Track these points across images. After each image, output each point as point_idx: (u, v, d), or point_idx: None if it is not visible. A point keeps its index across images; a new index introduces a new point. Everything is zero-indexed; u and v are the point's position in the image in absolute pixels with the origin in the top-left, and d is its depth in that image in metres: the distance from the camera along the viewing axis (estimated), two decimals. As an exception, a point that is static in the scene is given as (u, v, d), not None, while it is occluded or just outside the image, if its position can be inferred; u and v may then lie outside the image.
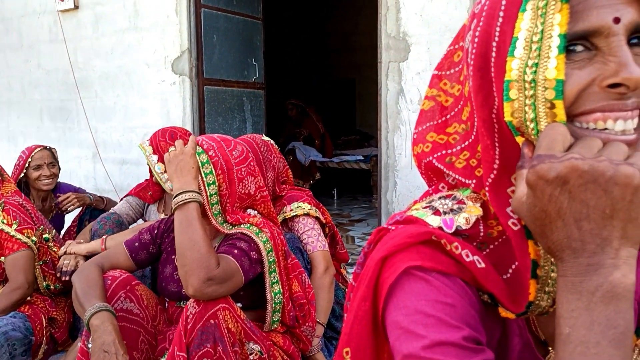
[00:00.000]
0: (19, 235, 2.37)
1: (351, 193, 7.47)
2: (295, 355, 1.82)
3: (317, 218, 2.36)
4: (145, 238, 1.91)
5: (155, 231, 1.92)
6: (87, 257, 2.29)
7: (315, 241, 2.26)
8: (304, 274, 1.90)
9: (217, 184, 1.69)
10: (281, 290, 1.74)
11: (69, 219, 3.12)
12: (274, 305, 1.73)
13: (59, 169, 3.04)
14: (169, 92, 4.20)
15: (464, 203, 0.67)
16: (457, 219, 0.66)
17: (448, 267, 0.62)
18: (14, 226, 2.38)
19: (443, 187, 0.72)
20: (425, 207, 0.68)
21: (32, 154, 2.88)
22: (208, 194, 1.68)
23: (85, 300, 1.60)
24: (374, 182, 6.39)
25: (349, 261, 2.63)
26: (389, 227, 0.68)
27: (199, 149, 1.71)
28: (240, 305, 1.61)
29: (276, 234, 1.77)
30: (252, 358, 1.63)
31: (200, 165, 1.68)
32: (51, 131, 4.83)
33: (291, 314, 1.79)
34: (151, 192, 2.71)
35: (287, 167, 2.54)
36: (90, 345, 1.65)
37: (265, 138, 2.46)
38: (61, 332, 2.50)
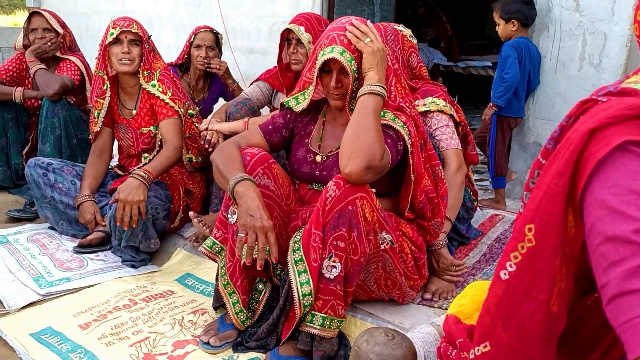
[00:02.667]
0: (172, 104, 2.54)
1: (473, 101, 7.12)
2: (422, 247, 1.83)
3: (451, 116, 2.26)
4: (278, 122, 1.94)
5: (289, 115, 1.94)
6: (226, 137, 2.38)
7: (449, 139, 2.18)
8: (439, 168, 1.86)
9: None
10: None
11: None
12: None
13: (220, 54, 3.21)
14: (299, -20, 4.11)
15: None
16: None
17: None
18: (168, 94, 2.55)
19: None
20: (646, 80, 0.60)
21: (196, 33, 3.12)
22: None
23: (227, 172, 1.68)
24: (501, 90, 6.02)
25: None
26: (599, 98, 0.60)
27: None
28: (374, 191, 1.61)
29: (412, 118, 1.74)
30: (383, 247, 1.65)
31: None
32: (185, 17, 4.98)
33: (420, 205, 1.77)
34: (281, 80, 2.73)
35: (422, 63, 2.42)
36: (229, 216, 1.76)
37: (399, 27, 2.33)
38: (196, 204, 2.70)
